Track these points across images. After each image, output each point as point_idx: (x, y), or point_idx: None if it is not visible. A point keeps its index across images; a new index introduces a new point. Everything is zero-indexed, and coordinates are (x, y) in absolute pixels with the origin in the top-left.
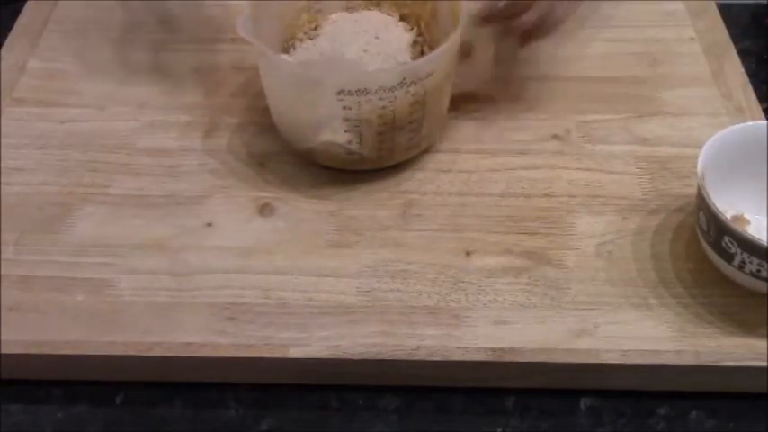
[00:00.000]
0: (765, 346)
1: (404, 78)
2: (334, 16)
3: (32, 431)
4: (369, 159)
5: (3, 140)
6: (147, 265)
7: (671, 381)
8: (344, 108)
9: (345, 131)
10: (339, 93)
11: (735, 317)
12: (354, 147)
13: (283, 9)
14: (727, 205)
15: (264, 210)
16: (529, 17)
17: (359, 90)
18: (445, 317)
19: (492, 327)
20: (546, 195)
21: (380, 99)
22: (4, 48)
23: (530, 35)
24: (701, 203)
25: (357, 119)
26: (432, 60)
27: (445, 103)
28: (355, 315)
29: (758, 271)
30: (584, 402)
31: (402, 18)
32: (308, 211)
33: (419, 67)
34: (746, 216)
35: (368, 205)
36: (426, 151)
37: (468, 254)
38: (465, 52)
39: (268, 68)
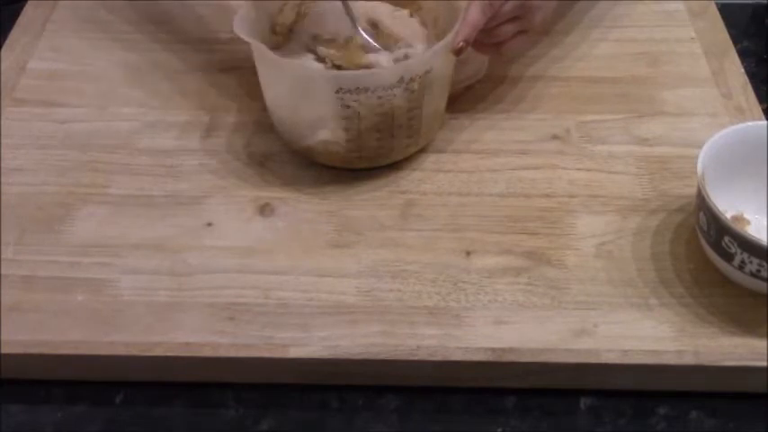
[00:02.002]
0: (765, 346)
1: (402, 76)
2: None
3: (32, 431)
4: (367, 157)
5: (3, 140)
6: (147, 265)
7: (671, 381)
8: (343, 106)
9: (344, 129)
10: (338, 91)
11: (735, 317)
12: (353, 145)
13: (274, 6)
14: (727, 205)
15: (264, 210)
16: (506, 29)
17: (358, 88)
18: (445, 317)
19: (492, 327)
20: (546, 195)
21: (379, 97)
22: (4, 48)
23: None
24: (701, 203)
25: (356, 116)
26: (430, 57)
27: (443, 100)
28: (355, 315)
29: (758, 271)
30: (585, 402)
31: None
32: (308, 211)
33: (417, 64)
34: (746, 216)
35: (368, 205)
36: (426, 151)
37: (468, 254)
38: (458, 50)
39: (266, 68)
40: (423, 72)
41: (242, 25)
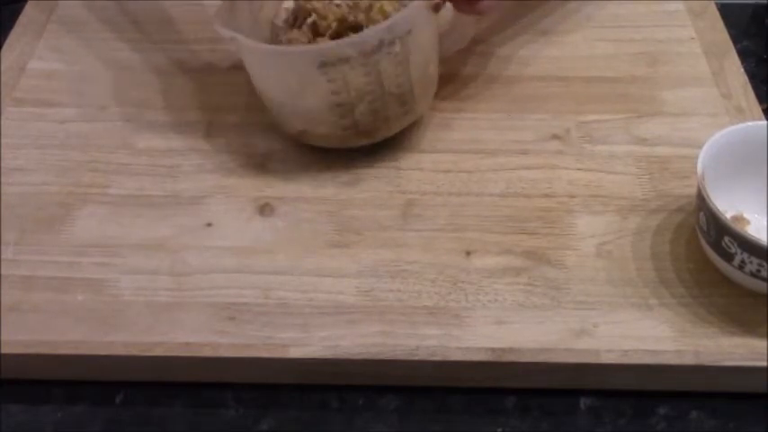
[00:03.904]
0: (765, 346)
1: (381, 39)
2: None
3: (32, 431)
4: (365, 132)
5: (3, 140)
6: (147, 265)
7: (671, 381)
8: (330, 81)
9: (336, 105)
10: (321, 66)
11: (735, 317)
12: (347, 121)
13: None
14: (727, 205)
15: (264, 210)
16: None
17: (340, 59)
18: (445, 317)
19: (492, 327)
20: (546, 195)
21: (363, 65)
22: (4, 48)
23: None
24: (701, 203)
25: (344, 90)
26: (407, 16)
27: (433, 65)
28: (355, 315)
29: (758, 271)
30: (584, 402)
31: None
32: (308, 211)
33: (395, 25)
34: (746, 216)
35: (368, 205)
36: (426, 151)
37: (468, 254)
38: (435, 6)
39: (250, 59)
40: (403, 33)
41: (221, 22)
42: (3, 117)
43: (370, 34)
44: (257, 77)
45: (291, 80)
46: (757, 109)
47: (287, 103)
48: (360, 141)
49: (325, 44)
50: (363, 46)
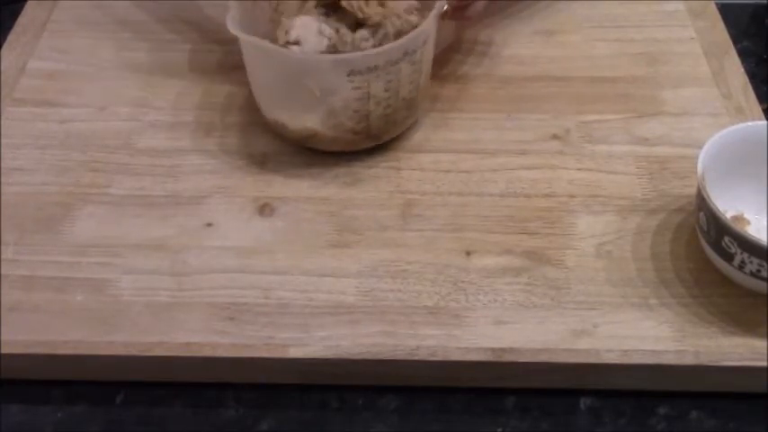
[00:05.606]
0: (765, 346)
1: (407, 49)
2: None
3: (32, 431)
4: (374, 136)
5: (3, 140)
6: (147, 265)
7: (671, 381)
8: (354, 88)
9: (354, 111)
10: (349, 74)
11: (735, 317)
12: (362, 126)
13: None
14: (727, 205)
15: (264, 210)
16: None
17: (368, 68)
18: (445, 317)
19: (492, 327)
20: (546, 195)
21: (387, 73)
22: (4, 48)
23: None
24: (701, 203)
25: (366, 97)
26: (428, 27)
27: (430, 68)
28: (355, 315)
29: (758, 271)
30: (584, 402)
31: None
32: (308, 211)
33: (419, 35)
34: (746, 216)
35: (368, 205)
36: (426, 151)
37: (468, 254)
38: (443, 13)
39: (268, 63)
40: (422, 42)
41: (236, 23)
42: (3, 117)
43: (400, 44)
44: (270, 84)
45: (315, 87)
46: (757, 109)
47: (300, 111)
48: (366, 144)
49: (357, 53)
50: (392, 55)
